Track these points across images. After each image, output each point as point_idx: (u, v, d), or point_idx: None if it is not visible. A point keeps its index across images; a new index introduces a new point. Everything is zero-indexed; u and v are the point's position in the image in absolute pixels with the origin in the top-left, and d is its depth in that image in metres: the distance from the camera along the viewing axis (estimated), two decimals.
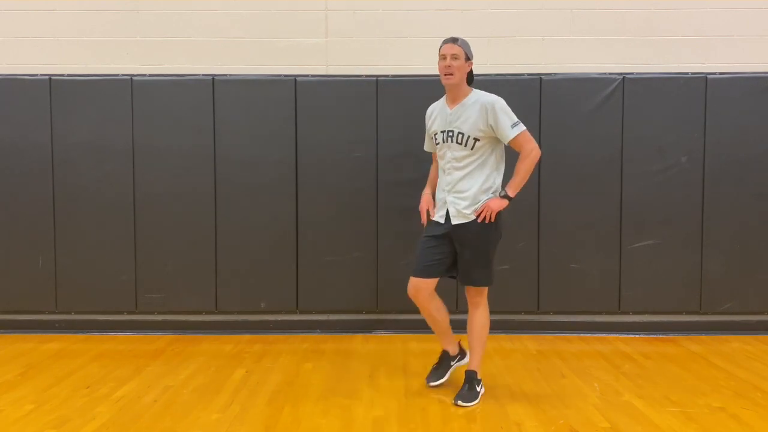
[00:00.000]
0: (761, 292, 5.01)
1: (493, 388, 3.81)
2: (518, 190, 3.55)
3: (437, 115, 3.69)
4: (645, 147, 4.96)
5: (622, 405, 3.53)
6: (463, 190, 3.56)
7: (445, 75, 3.54)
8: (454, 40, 3.56)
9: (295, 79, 4.99)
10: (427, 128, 3.80)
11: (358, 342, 4.85)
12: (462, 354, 3.93)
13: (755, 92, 4.94)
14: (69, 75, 5.02)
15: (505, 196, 3.54)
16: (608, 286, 5.01)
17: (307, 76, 5.03)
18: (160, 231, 5.02)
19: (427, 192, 3.83)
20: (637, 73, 4.99)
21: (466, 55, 3.56)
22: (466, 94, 3.60)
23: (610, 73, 4.98)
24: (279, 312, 5.10)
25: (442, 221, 3.62)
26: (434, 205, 3.74)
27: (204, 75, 5.03)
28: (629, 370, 4.14)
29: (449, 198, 3.60)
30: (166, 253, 5.03)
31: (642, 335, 4.97)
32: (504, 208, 3.56)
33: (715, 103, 4.94)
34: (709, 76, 4.95)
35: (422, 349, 4.58)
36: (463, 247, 3.59)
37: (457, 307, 4.90)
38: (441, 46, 3.59)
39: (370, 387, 3.82)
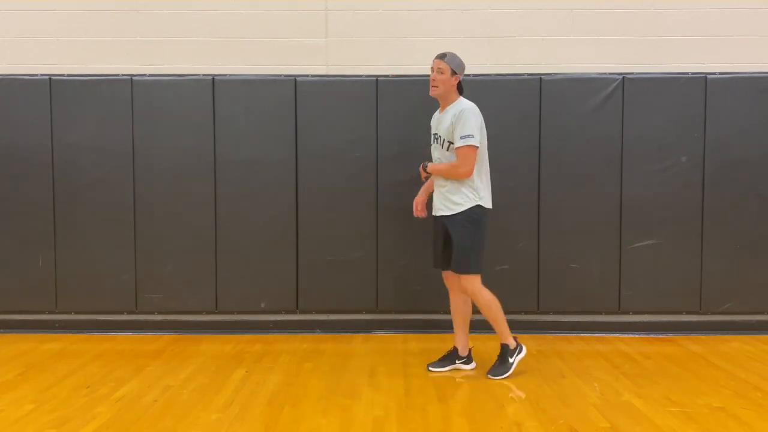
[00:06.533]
0: (761, 292, 5.00)
1: (493, 387, 3.82)
2: (432, 173, 4.01)
3: (433, 119, 4.14)
4: (645, 147, 4.95)
5: (622, 405, 3.52)
6: (442, 185, 3.99)
7: (431, 87, 3.96)
8: (442, 56, 3.93)
9: (295, 79, 4.99)
10: None
11: (358, 342, 4.85)
12: (469, 360, 4.17)
13: (755, 92, 4.94)
14: (69, 75, 5.02)
15: (424, 164, 4.04)
16: (608, 286, 5.01)
17: (307, 76, 5.03)
18: (160, 231, 5.02)
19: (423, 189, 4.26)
20: (637, 73, 4.98)
21: (452, 69, 3.90)
22: (451, 103, 3.97)
23: (610, 73, 4.98)
24: (279, 312, 5.10)
25: (432, 213, 4.12)
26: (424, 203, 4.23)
27: (204, 75, 5.03)
28: (629, 370, 4.14)
29: (435, 192, 4.07)
30: (166, 253, 5.02)
31: (642, 335, 4.96)
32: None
33: (715, 103, 4.94)
34: (709, 76, 4.95)
35: (422, 349, 4.58)
36: (449, 236, 3.99)
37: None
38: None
39: (370, 387, 3.82)
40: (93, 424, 3.25)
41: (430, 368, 4.11)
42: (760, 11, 5.08)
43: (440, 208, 4.00)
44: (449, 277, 4.12)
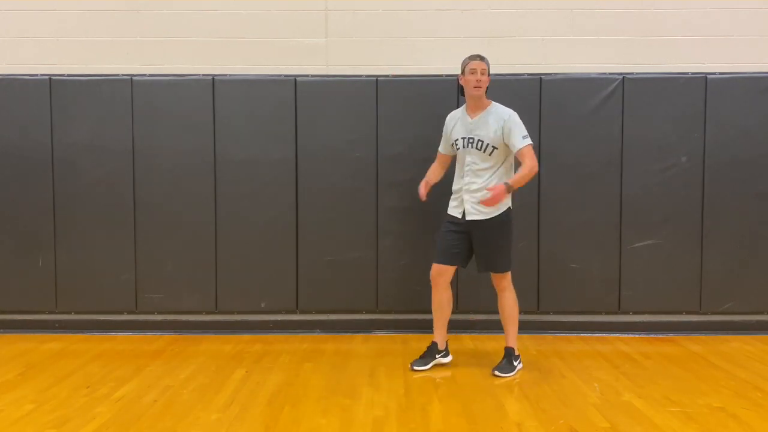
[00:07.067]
0: (761, 292, 5.00)
1: (493, 387, 3.82)
2: (516, 187, 3.98)
3: (457, 122, 4.14)
4: (645, 147, 4.95)
5: (622, 405, 3.53)
6: (476, 191, 4.01)
7: (475, 88, 3.98)
8: (481, 58, 4.03)
9: (295, 79, 4.99)
10: (445, 133, 4.25)
11: (358, 342, 4.85)
12: (446, 353, 4.26)
13: (755, 92, 4.94)
14: (69, 75, 5.02)
15: (507, 184, 3.92)
16: (608, 286, 5.01)
17: (307, 76, 5.03)
18: (160, 231, 5.02)
19: (425, 180, 4.30)
20: (637, 73, 4.98)
21: (488, 70, 4.03)
22: (486, 106, 4.06)
23: (610, 73, 4.98)
24: (279, 312, 5.10)
25: (460, 216, 4.08)
26: (428, 188, 4.27)
27: (204, 75, 5.02)
28: (629, 370, 4.14)
29: (466, 197, 4.06)
30: (166, 253, 5.02)
31: (642, 335, 4.96)
32: (505, 196, 3.98)
33: (715, 103, 4.93)
34: (709, 76, 4.95)
35: (422, 349, 4.55)
36: (480, 240, 4.08)
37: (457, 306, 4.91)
38: (468, 62, 4.03)
39: (370, 387, 3.82)
40: (93, 424, 3.25)
41: (414, 367, 4.13)
42: (760, 11, 5.08)
43: (473, 213, 4.03)
44: (444, 274, 4.13)
